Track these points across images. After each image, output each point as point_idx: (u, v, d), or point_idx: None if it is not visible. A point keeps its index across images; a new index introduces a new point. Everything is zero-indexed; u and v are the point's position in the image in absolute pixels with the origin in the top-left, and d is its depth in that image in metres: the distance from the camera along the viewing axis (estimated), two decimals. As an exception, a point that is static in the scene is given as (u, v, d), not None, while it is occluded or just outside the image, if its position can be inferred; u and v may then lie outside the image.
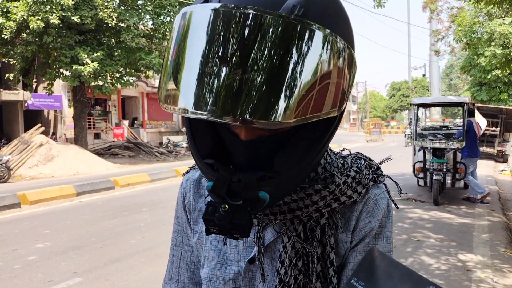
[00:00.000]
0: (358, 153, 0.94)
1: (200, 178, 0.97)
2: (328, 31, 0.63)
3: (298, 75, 0.60)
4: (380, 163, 0.93)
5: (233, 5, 0.60)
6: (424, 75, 58.69)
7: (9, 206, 8.16)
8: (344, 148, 0.99)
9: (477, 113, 9.54)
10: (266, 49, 0.59)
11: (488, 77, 19.96)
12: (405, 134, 26.10)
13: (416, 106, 9.17)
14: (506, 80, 20.08)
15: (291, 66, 0.59)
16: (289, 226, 0.81)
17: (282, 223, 0.82)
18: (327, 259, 0.81)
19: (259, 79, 0.58)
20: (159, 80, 0.69)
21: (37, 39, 14.65)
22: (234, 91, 0.58)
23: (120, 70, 16.60)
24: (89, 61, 14.80)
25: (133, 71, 17.41)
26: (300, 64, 0.60)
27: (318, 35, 0.62)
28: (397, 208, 0.93)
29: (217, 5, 0.61)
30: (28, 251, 5.38)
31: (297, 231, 0.81)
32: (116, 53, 16.07)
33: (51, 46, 14.95)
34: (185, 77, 0.62)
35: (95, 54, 15.08)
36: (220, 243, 0.89)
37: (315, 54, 0.62)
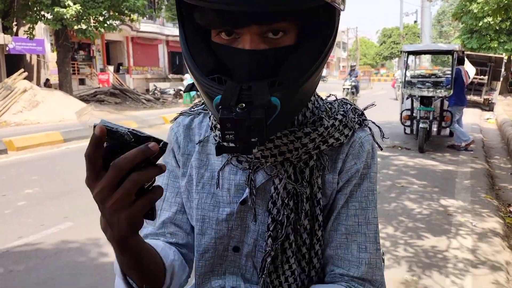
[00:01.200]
0: (344, 98, 0.97)
1: (190, 123, 0.99)
2: None
3: None
4: (364, 109, 0.97)
5: None
6: (415, 22, 57.86)
7: (-4, 153, 8.12)
8: (330, 94, 1.02)
9: (466, 61, 9.49)
10: None
11: (480, 24, 19.75)
12: (397, 85, 18.70)
13: (406, 54, 9.09)
14: (497, 28, 19.89)
15: None
16: (280, 168, 0.84)
17: (273, 166, 0.85)
18: (315, 199, 0.86)
19: None
20: None
21: (14, -21, 13.95)
22: None
23: (103, 13, 16.00)
24: (71, 3, 14.22)
25: (117, 14, 16.80)
26: None
27: None
28: (381, 149, 0.96)
29: None
30: (17, 197, 5.41)
31: (288, 173, 0.84)
32: (99, -5, 15.42)
33: (30, -14, 14.27)
34: None
35: (77, -4, 14.46)
36: (212, 187, 0.92)
37: None
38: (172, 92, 22.31)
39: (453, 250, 3.72)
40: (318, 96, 0.92)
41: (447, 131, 9.35)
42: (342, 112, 0.89)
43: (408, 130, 9.14)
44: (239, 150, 0.71)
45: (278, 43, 0.72)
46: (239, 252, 0.92)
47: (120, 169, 0.56)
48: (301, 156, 0.84)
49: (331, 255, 0.89)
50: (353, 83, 17.02)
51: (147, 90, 24.69)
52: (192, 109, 1.02)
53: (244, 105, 0.66)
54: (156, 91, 22.80)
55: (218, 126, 0.86)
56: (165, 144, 0.58)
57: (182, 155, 0.97)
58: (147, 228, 0.98)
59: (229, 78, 0.71)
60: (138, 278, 0.75)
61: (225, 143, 0.70)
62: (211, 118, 0.92)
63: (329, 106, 0.91)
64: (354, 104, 0.95)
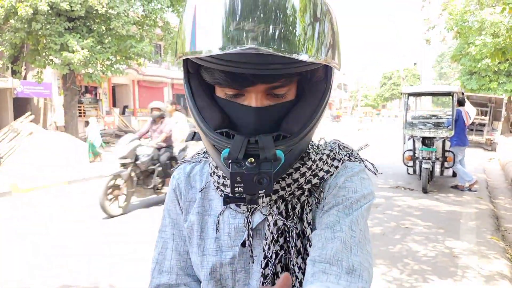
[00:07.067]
0: (336, 139, 1.00)
1: (190, 171, 1.03)
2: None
3: (321, 29, 0.71)
4: (359, 150, 0.99)
5: None
6: (415, 64, 58.94)
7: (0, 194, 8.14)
8: (320, 138, 1.03)
9: (466, 102, 9.62)
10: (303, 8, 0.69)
11: (478, 66, 20.11)
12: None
13: (406, 95, 9.24)
14: (495, 69, 20.23)
15: (313, 20, 0.70)
16: (273, 206, 0.87)
17: (268, 206, 0.87)
18: (305, 235, 0.86)
19: (299, 27, 0.68)
20: (180, 37, 0.73)
21: (25, 26, 14.41)
22: (277, 32, 0.66)
23: (110, 57, 16.43)
24: (79, 49, 14.63)
25: (124, 58, 17.25)
26: (319, 20, 0.71)
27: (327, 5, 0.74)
28: (376, 174, 0.95)
29: None
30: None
31: (279, 209, 0.86)
32: (106, 41, 15.88)
33: (40, 33, 14.73)
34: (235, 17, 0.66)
35: (85, 41, 14.89)
36: (213, 231, 0.94)
37: (330, 18, 0.74)
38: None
39: (460, 293, 3.66)
40: None
41: (450, 171, 9.34)
42: (329, 149, 0.93)
43: (411, 171, 9.15)
44: (246, 201, 0.74)
45: (280, 99, 0.78)
46: None
47: None
48: (294, 192, 0.86)
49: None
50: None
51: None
52: (194, 157, 1.06)
53: (253, 159, 0.71)
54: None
55: (218, 172, 0.91)
56: None
57: (183, 202, 1.00)
58: (160, 277, 0.99)
59: (236, 132, 0.76)
60: None
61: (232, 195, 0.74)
62: (210, 164, 0.96)
63: (315, 145, 0.94)
64: (345, 144, 0.97)
